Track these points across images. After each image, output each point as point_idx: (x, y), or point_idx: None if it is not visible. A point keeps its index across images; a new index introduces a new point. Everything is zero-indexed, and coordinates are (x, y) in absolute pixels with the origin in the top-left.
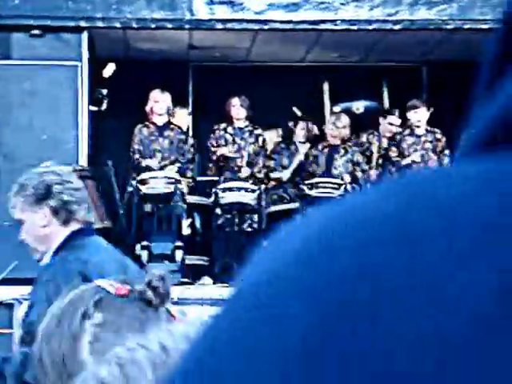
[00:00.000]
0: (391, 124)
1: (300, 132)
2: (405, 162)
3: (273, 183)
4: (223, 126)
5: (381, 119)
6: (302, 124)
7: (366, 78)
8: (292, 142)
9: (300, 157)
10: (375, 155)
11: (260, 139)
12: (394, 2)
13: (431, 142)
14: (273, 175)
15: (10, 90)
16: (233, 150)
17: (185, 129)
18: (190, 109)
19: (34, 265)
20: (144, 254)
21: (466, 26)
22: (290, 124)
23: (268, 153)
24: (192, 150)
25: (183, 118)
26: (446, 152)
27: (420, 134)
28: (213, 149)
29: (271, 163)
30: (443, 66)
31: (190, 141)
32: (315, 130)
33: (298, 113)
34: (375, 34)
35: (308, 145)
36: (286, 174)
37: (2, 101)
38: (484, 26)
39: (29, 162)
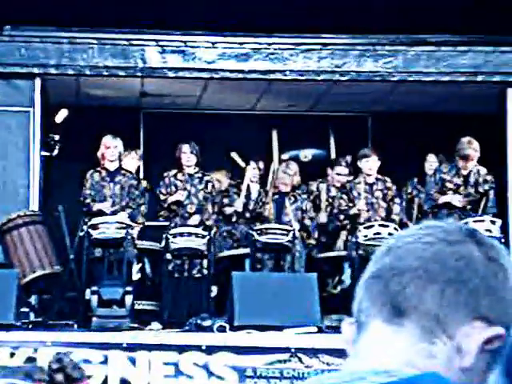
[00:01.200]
0: (339, 174)
1: (251, 171)
2: (352, 211)
3: (225, 228)
4: (173, 172)
5: (329, 170)
6: (253, 164)
7: (313, 127)
8: (241, 182)
9: (246, 185)
10: (324, 203)
11: (209, 185)
12: (342, 53)
13: (381, 190)
14: (228, 211)
15: None
16: (184, 195)
17: (136, 174)
18: (141, 153)
19: None
20: (94, 300)
21: (411, 78)
22: (242, 164)
23: (219, 194)
24: (144, 195)
25: (134, 163)
26: (396, 200)
27: (371, 183)
28: (162, 197)
29: (225, 200)
30: (388, 116)
31: (144, 183)
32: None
33: (237, 159)
34: (323, 84)
35: (257, 185)
36: (239, 205)
37: None
38: (428, 79)
39: None
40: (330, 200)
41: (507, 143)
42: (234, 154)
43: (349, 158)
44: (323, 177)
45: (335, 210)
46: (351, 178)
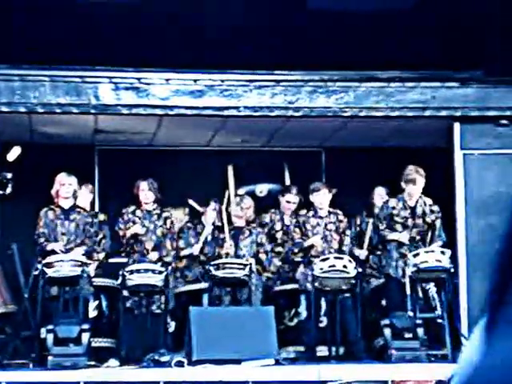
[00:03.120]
0: (289, 202)
1: (211, 213)
2: (307, 243)
3: (182, 264)
4: (132, 208)
5: (280, 197)
6: (213, 205)
7: (268, 162)
8: (199, 222)
9: (207, 230)
10: (279, 233)
11: (168, 221)
12: (295, 90)
13: (334, 223)
14: (183, 253)
15: None
16: (142, 230)
17: (89, 210)
18: (92, 187)
19: None
20: (49, 338)
21: (362, 114)
22: (198, 207)
23: (176, 231)
24: (102, 228)
25: (87, 197)
26: (348, 232)
27: (323, 216)
28: (121, 232)
29: (180, 242)
30: (341, 150)
31: (101, 217)
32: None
33: (195, 205)
34: (277, 120)
35: (212, 226)
36: (196, 249)
37: None
38: (378, 114)
39: None
40: (285, 228)
41: (455, 175)
42: (191, 201)
43: (294, 189)
44: (276, 207)
45: (289, 243)
46: (303, 211)
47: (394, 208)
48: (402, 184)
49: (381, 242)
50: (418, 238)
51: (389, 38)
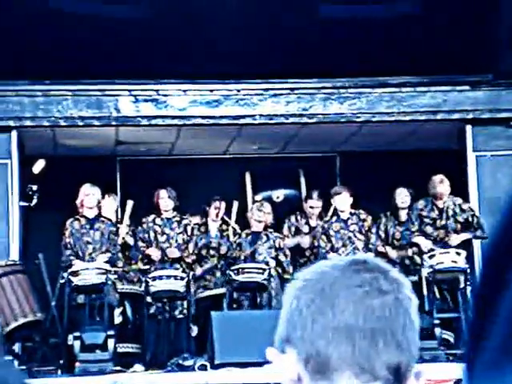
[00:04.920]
0: (312, 207)
1: (213, 211)
2: (329, 256)
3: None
4: (152, 217)
5: (304, 204)
6: (214, 203)
7: (284, 168)
8: (205, 223)
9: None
10: (307, 237)
11: (188, 228)
12: (308, 97)
13: (356, 223)
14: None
15: None
16: (157, 256)
17: (113, 219)
18: (118, 200)
19: None
20: (76, 345)
21: (374, 119)
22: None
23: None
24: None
25: (112, 207)
26: (373, 230)
27: (345, 218)
28: (141, 244)
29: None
30: (355, 155)
31: (125, 225)
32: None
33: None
34: (292, 127)
35: (217, 223)
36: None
37: None
38: (391, 118)
39: None
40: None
41: (468, 177)
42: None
43: (315, 194)
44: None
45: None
46: (326, 217)
47: (422, 210)
48: (430, 192)
49: (409, 243)
50: (446, 238)
51: (399, 44)
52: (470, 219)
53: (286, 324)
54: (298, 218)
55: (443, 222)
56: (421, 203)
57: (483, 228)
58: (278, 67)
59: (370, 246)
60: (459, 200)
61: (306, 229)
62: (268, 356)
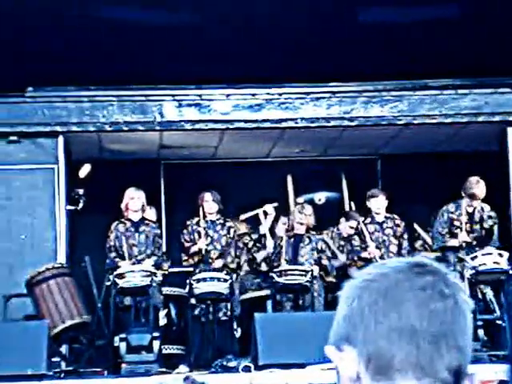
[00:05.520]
0: (351, 227)
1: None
2: (363, 254)
3: (244, 270)
4: (196, 220)
5: (342, 220)
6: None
7: (325, 171)
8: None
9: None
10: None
11: (231, 231)
12: (350, 101)
13: (391, 227)
14: (259, 256)
15: None
16: (206, 242)
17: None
18: (162, 202)
19: (16, 363)
20: (122, 346)
21: (416, 121)
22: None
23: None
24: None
25: (154, 216)
26: (405, 236)
27: (380, 221)
28: (186, 245)
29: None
30: (396, 157)
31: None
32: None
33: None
34: (333, 130)
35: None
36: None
37: None
38: (432, 121)
39: (7, 262)
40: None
41: (510, 179)
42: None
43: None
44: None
45: (348, 248)
46: (360, 218)
47: (452, 213)
48: (463, 193)
49: (440, 247)
50: (474, 242)
51: (440, 47)
52: (493, 228)
53: (344, 322)
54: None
55: (472, 227)
56: (451, 206)
57: (496, 240)
58: (319, 71)
59: (403, 251)
60: (487, 207)
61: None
62: (326, 353)
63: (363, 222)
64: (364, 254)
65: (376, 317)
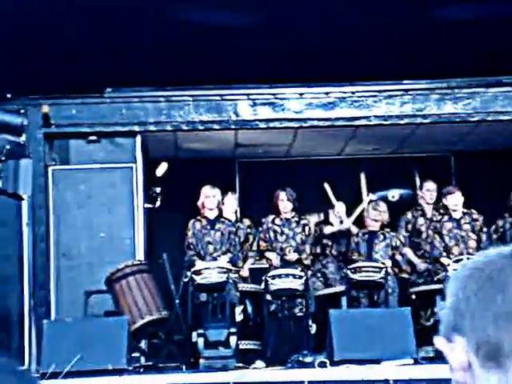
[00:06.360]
0: (428, 190)
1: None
2: (443, 259)
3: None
4: (271, 217)
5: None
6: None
7: (399, 168)
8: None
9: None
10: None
11: (306, 228)
12: (423, 98)
13: (469, 223)
14: (327, 230)
15: (68, 192)
16: (277, 262)
17: (233, 219)
18: (237, 200)
19: (97, 358)
20: (200, 341)
21: (489, 118)
22: (333, 199)
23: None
24: (248, 239)
25: (232, 205)
26: (484, 230)
27: (458, 218)
28: (262, 245)
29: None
30: (470, 154)
31: (246, 222)
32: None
33: (329, 192)
34: (406, 127)
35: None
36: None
37: (61, 203)
38: (505, 118)
39: (87, 259)
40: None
41: None
42: (326, 186)
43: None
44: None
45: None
46: (437, 216)
47: None
48: None
49: None
50: None
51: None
52: None
53: (452, 312)
54: (414, 214)
55: None
56: None
57: None
58: (392, 69)
59: (482, 245)
60: None
61: (421, 221)
62: (437, 345)
63: (440, 220)
64: (442, 259)
65: (482, 303)
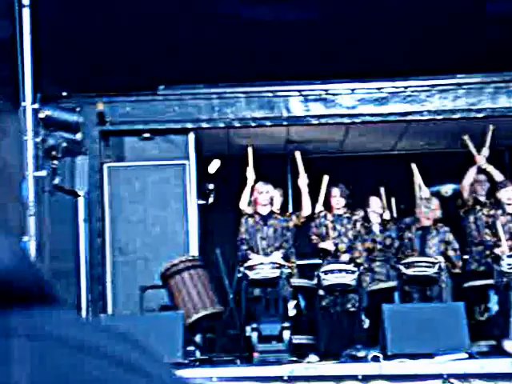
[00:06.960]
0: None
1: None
2: (496, 251)
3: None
4: (323, 213)
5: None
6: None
7: (452, 163)
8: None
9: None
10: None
11: (358, 224)
12: (477, 92)
13: None
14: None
15: (123, 188)
16: (332, 247)
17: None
18: (290, 196)
19: None
20: (254, 336)
21: None
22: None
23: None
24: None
25: (279, 202)
26: None
27: (511, 212)
28: (314, 239)
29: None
30: None
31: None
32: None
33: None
34: (459, 122)
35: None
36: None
37: (116, 199)
38: None
39: (143, 255)
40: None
41: None
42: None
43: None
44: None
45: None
46: (491, 210)
47: None
48: None
49: None
50: None
51: None
52: None
53: None
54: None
55: None
56: None
57: None
58: (445, 63)
59: None
60: None
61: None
62: (505, 348)
63: (494, 214)
64: (496, 251)
65: None
